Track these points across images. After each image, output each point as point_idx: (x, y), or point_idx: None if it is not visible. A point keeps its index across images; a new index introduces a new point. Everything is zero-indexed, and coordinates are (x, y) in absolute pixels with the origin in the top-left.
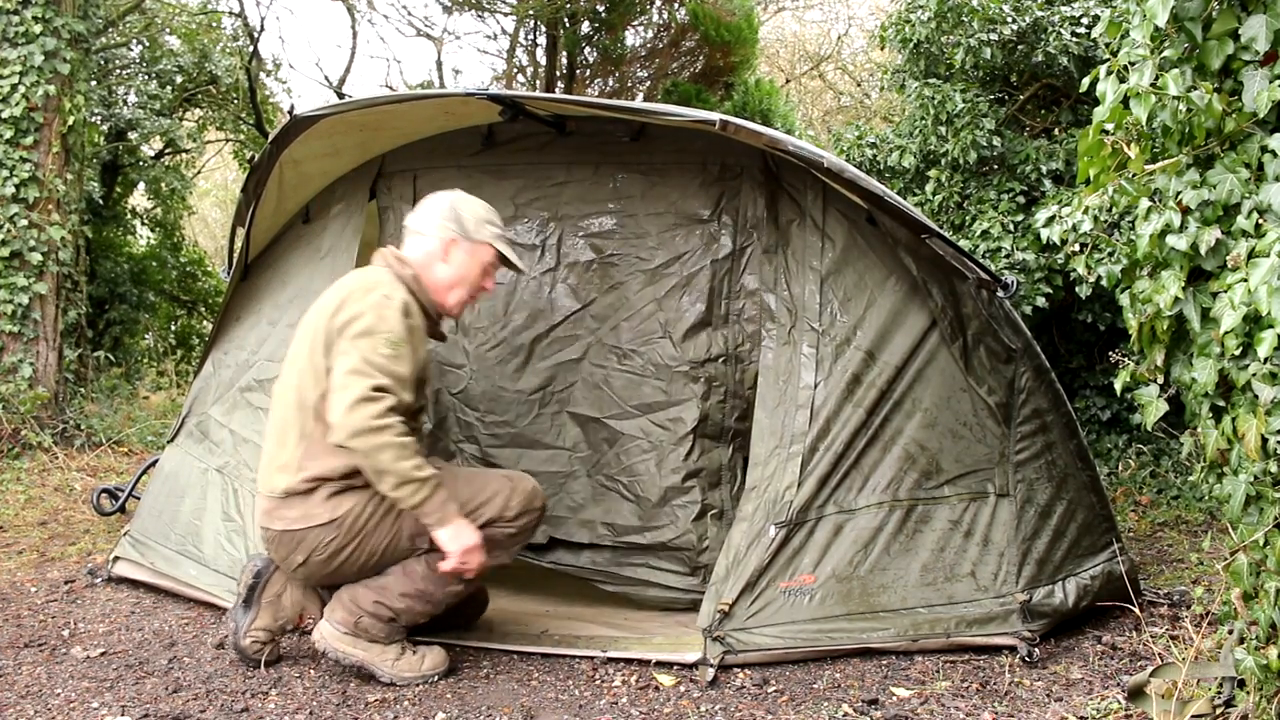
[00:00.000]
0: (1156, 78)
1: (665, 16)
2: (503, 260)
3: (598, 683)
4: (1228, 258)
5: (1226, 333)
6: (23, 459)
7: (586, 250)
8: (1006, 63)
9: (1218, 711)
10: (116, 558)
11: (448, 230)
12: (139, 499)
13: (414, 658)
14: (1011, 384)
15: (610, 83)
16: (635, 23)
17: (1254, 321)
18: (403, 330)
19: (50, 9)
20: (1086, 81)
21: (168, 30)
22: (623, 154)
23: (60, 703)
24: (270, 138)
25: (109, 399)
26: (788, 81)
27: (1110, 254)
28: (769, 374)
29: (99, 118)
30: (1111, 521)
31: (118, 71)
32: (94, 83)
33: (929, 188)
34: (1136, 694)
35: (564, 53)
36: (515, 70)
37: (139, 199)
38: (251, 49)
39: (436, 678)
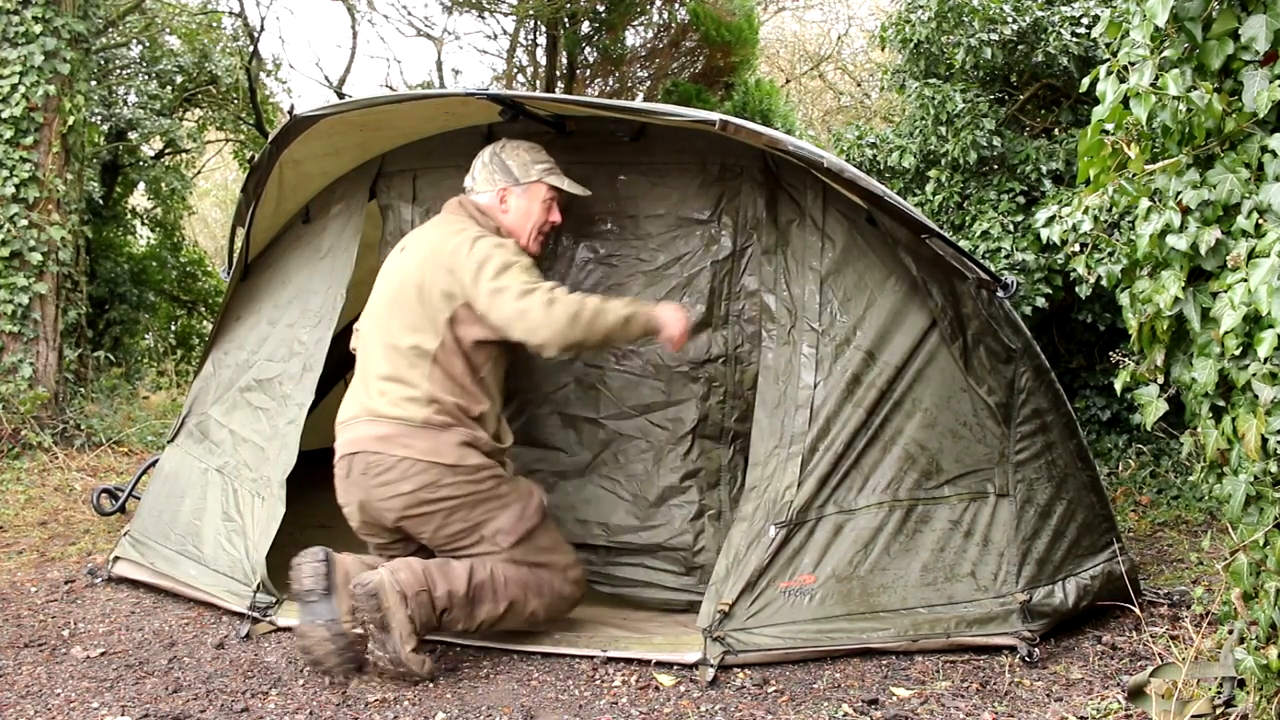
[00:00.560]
0: (1156, 78)
1: (665, 16)
2: (559, 191)
3: (598, 683)
4: (1228, 258)
5: (1226, 333)
6: (23, 459)
7: (586, 250)
8: (1006, 63)
9: (1218, 711)
10: (116, 558)
11: (497, 181)
12: (139, 499)
13: (423, 655)
14: (1011, 384)
15: (610, 83)
16: (635, 23)
17: (1254, 321)
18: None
19: (50, 9)
20: (1086, 81)
21: (168, 30)
22: (623, 154)
23: (60, 703)
24: (270, 138)
25: (109, 399)
26: (788, 81)
27: (1110, 254)
28: (769, 374)
29: (99, 118)
30: (1111, 521)
31: (118, 71)
32: (94, 83)
33: (929, 188)
34: (1136, 694)
35: (564, 53)
36: (515, 70)
37: (139, 199)
38: (251, 49)
39: (431, 682)
